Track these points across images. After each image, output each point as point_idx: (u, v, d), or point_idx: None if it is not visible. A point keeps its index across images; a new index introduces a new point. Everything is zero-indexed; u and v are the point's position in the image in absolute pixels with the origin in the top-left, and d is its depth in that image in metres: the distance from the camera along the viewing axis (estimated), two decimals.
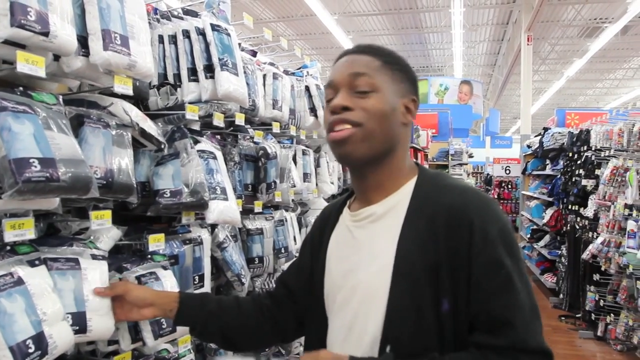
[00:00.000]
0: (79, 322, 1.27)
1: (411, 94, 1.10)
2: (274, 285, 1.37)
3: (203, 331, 1.27)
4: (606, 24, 12.31)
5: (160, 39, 1.87)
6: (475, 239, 0.96)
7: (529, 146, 9.02)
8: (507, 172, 14.20)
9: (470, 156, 11.56)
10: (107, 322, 1.31)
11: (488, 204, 1.01)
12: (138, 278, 1.47)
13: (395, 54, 1.12)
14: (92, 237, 1.43)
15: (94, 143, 1.35)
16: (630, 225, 4.42)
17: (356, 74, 1.05)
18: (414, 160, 1.19)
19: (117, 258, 1.54)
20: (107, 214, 1.39)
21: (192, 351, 1.75)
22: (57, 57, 1.33)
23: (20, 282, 1.14)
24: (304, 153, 2.83)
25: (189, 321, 1.27)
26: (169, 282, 1.55)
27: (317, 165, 3.02)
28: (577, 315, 5.96)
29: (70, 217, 1.50)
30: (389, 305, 0.99)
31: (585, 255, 5.43)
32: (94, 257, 1.36)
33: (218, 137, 2.21)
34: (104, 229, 1.48)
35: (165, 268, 1.58)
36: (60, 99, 1.29)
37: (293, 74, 2.85)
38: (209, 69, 1.87)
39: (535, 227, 8.45)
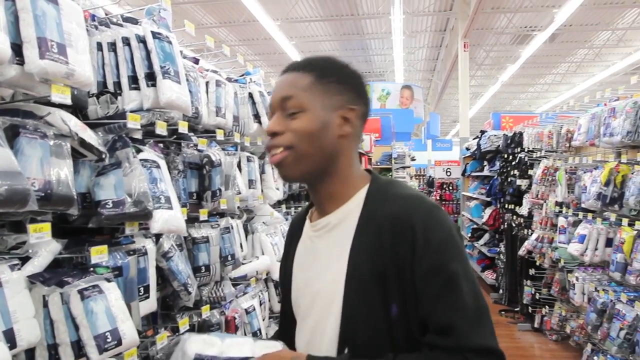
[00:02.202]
0: (9, 338, 1.24)
1: (350, 104, 1.09)
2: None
3: None
4: (535, 31, 13.00)
5: (99, 46, 1.83)
6: (417, 245, 0.99)
7: (467, 148, 9.37)
8: (448, 174, 14.66)
9: (413, 159, 11.84)
10: (33, 327, 1.30)
11: (431, 211, 1.03)
12: (81, 292, 1.43)
13: (335, 64, 1.12)
14: (30, 251, 1.39)
15: (30, 154, 1.31)
16: (561, 221, 4.68)
17: (284, 97, 1.07)
18: (368, 168, 1.21)
19: (58, 272, 1.50)
20: (46, 226, 1.35)
21: None
22: None
23: None
24: (248, 160, 2.83)
25: None
26: (113, 294, 1.52)
27: (262, 172, 3.03)
28: (515, 309, 6.24)
29: (5, 232, 1.45)
30: (344, 310, 1.04)
31: (521, 251, 5.70)
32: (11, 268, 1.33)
33: (161, 145, 2.18)
34: (43, 243, 1.44)
35: (109, 280, 1.55)
36: None
37: (236, 81, 2.85)
38: (151, 77, 1.85)
39: (475, 226, 8.78)
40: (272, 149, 1.08)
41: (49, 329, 1.40)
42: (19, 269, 1.36)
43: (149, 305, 1.84)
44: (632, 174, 3.45)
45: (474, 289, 1.00)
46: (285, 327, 1.24)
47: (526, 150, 6.03)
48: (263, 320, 2.85)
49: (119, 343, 1.46)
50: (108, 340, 1.43)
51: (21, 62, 1.30)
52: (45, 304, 1.41)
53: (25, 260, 1.44)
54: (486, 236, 8.14)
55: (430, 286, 0.98)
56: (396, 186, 1.10)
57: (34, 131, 1.34)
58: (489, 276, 7.59)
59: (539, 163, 5.52)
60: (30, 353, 1.40)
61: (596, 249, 3.95)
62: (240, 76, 3.00)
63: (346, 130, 1.08)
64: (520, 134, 6.31)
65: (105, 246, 1.57)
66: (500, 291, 6.89)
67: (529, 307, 5.71)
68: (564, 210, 4.78)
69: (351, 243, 1.05)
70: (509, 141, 6.68)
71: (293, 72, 1.09)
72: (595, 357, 4.02)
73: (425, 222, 1.00)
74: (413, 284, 0.99)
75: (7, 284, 1.30)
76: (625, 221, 3.61)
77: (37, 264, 1.45)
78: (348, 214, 1.09)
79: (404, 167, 10.23)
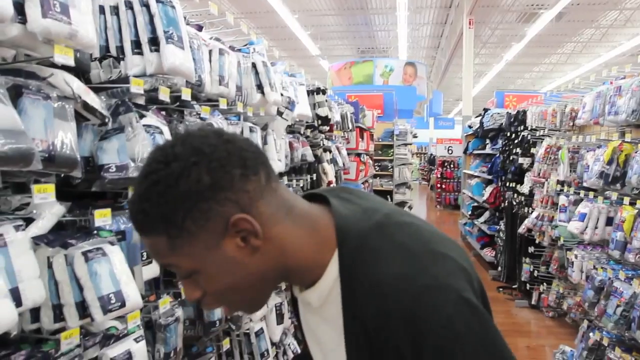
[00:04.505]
0: (15, 297, 1.25)
1: (226, 216, 0.73)
2: None
3: None
4: (542, 10, 12.81)
5: (101, 9, 1.81)
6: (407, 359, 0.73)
7: (470, 126, 9.34)
8: (450, 152, 14.64)
9: (415, 136, 11.83)
10: (38, 287, 1.32)
11: (418, 306, 0.72)
12: (84, 254, 1.44)
13: (164, 195, 0.71)
14: (34, 212, 1.39)
15: (34, 115, 1.30)
16: (562, 200, 4.69)
17: (165, 266, 0.79)
18: (322, 195, 0.88)
19: (62, 234, 1.50)
20: (50, 187, 1.35)
21: (141, 327, 1.74)
22: None
23: None
24: (251, 130, 2.82)
25: None
26: (116, 257, 1.53)
27: (265, 143, 3.02)
28: (513, 286, 6.30)
29: (9, 193, 1.45)
30: None
31: (521, 229, 5.72)
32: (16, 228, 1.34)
33: (163, 112, 2.17)
34: (47, 205, 1.44)
35: (112, 244, 1.56)
36: None
37: (239, 50, 2.82)
38: (154, 42, 1.83)
39: (475, 204, 8.80)
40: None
41: (53, 289, 1.42)
42: (23, 229, 1.37)
43: (152, 270, 1.85)
44: (636, 152, 3.44)
45: None
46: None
47: (529, 128, 6.00)
48: None
49: (123, 305, 1.48)
50: (112, 301, 1.45)
51: (23, 21, 1.29)
52: (50, 265, 1.42)
53: (29, 222, 1.44)
54: (486, 214, 8.17)
55: None
56: (370, 260, 0.77)
57: (37, 92, 1.33)
58: (488, 253, 7.64)
59: (541, 141, 5.50)
60: (35, 313, 1.42)
61: (596, 228, 3.97)
62: (244, 46, 2.96)
63: (254, 243, 0.76)
64: (524, 112, 6.28)
65: (109, 209, 1.58)
66: (499, 268, 6.95)
67: (527, 285, 5.76)
68: (565, 188, 4.78)
69: (345, 345, 0.80)
70: (512, 119, 6.65)
71: (142, 236, 0.77)
72: (591, 334, 4.07)
73: (411, 326, 0.72)
74: None
75: (11, 243, 1.30)
76: (626, 200, 3.61)
77: (41, 226, 1.45)
78: (326, 295, 0.82)
79: (405, 144, 10.22)
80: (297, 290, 0.88)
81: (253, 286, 0.79)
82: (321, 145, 4.65)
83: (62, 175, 1.47)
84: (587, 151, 4.22)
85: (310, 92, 4.32)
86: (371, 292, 0.75)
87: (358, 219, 0.81)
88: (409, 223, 0.82)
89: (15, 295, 1.27)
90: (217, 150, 0.73)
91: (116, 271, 1.50)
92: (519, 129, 6.37)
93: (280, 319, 3.23)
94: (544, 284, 5.51)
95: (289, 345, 3.48)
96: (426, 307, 0.72)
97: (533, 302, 5.69)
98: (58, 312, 1.42)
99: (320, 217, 0.83)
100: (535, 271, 5.59)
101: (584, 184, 4.15)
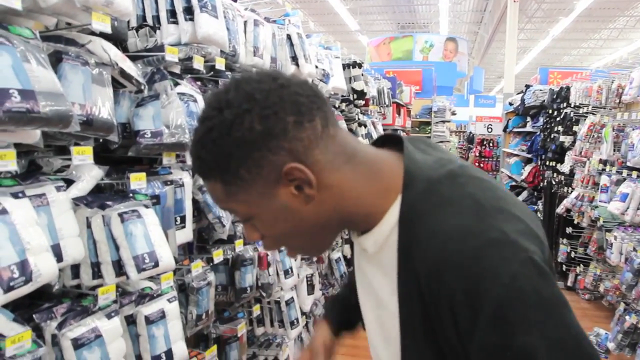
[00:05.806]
0: (56, 253, 1.33)
1: (280, 166, 0.71)
2: None
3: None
4: None
5: None
6: (460, 317, 0.67)
7: (511, 103, 9.09)
8: (489, 130, 14.29)
9: (453, 114, 11.61)
10: (77, 244, 1.39)
11: (478, 260, 0.66)
12: (121, 215, 1.51)
13: (220, 136, 0.70)
14: (74, 173, 1.46)
15: (73, 80, 1.36)
16: (604, 180, 4.55)
17: (226, 210, 0.81)
18: (399, 136, 0.85)
19: (99, 196, 1.57)
20: (89, 150, 1.42)
21: (174, 288, 1.81)
22: None
23: (4, 211, 1.17)
24: None
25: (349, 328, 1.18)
26: (150, 219, 1.59)
27: None
28: None
29: (51, 155, 1.52)
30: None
31: (559, 209, 5.59)
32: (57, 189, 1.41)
33: (199, 83, 2.21)
34: (86, 167, 1.51)
35: (147, 207, 1.62)
36: (38, 34, 1.28)
37: (274, 21, 2.83)
38: (189, 11, 1.86)
39: (514, 183, 8.62)
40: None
41: (92, 248, 1.50)
42: (64, 190, 1.44)
43: (185, 235, 1.91)
44: None
45: (565, 354, 0.64)
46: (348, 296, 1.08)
47: (572, 105, 5.80)
48: (295, 260, 2.94)
49: (156, 265, 1.55)
50: (146, 261, 1.52)
51: None
52: (89, 225, 1.49)
53: (69, 183, 1.52)
54: (524, 193, 8.00)
55: None
56: (436, 207, 0.72)
57: (76, 58, 1.39)
58: None
59: (584, 119, 5.32)
60: (76, 269, 1.50)
61: (638, 209, 3.84)
62: (279, 17, 2.97)
63: (308, 192, 0.74)
64: (567, 88, 6.06)
65: (144, 173, 1.64)
66: None
67: (563, 266, 5.65)
68: (608, 168, 4.62)
69: (397, 291, 0.77)
70: (554, 96, 6.43)
71: (203, 179, 0.78)
72: (627, 317, 3.98)
73: (469, 280, 0.66)
74: None
75: (53, 203, 1.38)
76: None
77: (80, 188, 1.53)
78: (383, 242, 0.79)
79: (443, 122, 10.05)
80: (355, 235, 0.86)
81: (310, 232, 0.79)
82: (356, 119, 4.64)
83: (101, 140, 1.53)
84: (633, 129, 4.07)
85: (346, 66, 4.29)
86: (430, 241, 0.70)
87: (429, 166, 0.77)
88: (484, 179, 0.76)
89: (57, 252, 1.35)
90: (270, 97, 0.70)
91: (150, 233, 1.56)
92: (561, 106, 6.16)
93: (311, 289, 3.29)
94: (581, 265, 5.39)
95: (319, 315, 3.55)
96: (490, 261, 0.65)
97: (569, 284, 5.58)
98: (96, 270, 1.50)
99: (387, 162, 0.80)
100: (573, 252, 5.47)
101: (628, 164, 4.01)
